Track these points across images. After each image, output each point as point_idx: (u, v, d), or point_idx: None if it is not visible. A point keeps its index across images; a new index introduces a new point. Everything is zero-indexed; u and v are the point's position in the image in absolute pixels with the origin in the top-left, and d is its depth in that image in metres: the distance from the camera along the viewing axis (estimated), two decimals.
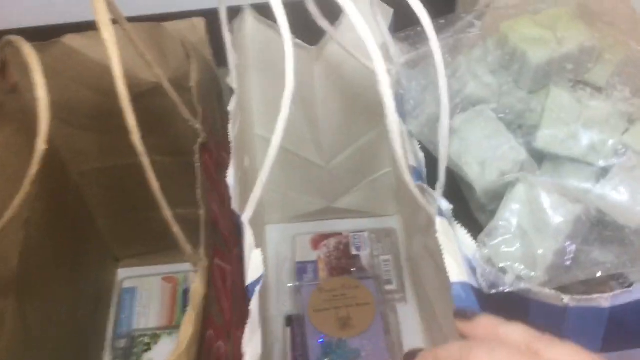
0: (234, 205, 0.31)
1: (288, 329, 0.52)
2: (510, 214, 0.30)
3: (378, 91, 0.26)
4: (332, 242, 0.59)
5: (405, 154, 0.30)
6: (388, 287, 0.54)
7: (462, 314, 0.27)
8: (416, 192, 0.31)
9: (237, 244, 0.33)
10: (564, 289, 0.29)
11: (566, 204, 0.29)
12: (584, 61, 0.34)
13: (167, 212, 0.28)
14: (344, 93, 0.47)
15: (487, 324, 0.27)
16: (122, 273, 0.56)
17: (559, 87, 0.32)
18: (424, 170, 0.34)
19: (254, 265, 0.29)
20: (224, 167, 0.34)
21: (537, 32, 0.34)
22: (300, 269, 0.57)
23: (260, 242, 0.61)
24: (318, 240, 0.59)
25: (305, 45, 0.44)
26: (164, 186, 0.27)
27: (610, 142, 0.31)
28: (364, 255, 0.57)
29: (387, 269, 0.56)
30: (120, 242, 0.55)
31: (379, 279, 0.54)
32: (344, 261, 0.57)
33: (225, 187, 0.33)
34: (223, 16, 0.36)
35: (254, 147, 0.54)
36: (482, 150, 0.32)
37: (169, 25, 0.41)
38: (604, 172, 0.31)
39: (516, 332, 0.25)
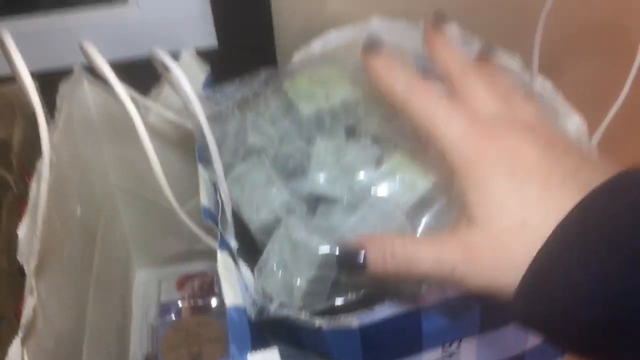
0: (19, 256, 0.34)
1: None
2: (273, 250, 0.35)
3: None
4: (196, 281, 0.62)
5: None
6: None
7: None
8: (195, 228, 0.35)
9: None
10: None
11: (320, 241, 0.34)
12: (352, 113, 0.39)
13: None
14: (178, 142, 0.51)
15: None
16: None
17: (324, 136, 0.37)
18: (218, 213, 0.38)
19: None
20: None
21: (310, 89, 0.39)
22: (164, 310, 0.60)
23: (130, 287, 0.64)
24: (183, 281, 0.63)
25: (137, 96, 0.48)
26: None
27: (362, 183, 0.36)
28: None
29: None
30: None
31: None
32: (207, 299, 0.60)
33: None
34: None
35: (113, 196, 0.58)
36: (255, 195, 0.36)
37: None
38: (354, 209, 0.35)
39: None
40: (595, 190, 0.25)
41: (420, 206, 0.35)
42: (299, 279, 0.34)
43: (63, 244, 0.44)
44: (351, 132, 0.39)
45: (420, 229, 0.35)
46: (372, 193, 0.35)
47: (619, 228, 0.24)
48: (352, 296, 0.35)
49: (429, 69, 0.54)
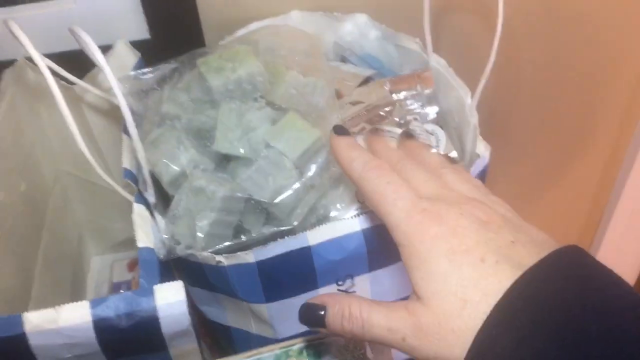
0: None
1: None
2: (180, 199, 0.40)
3: None
4: None
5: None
6: None
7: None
8: (116, 185, 0.40)
9: None
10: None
11: (217, 187, 0.39)
12: (255, 83, 0.44)
13: None
14: (112, 124, 0.56)
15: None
16: None
17: (226, 103, 0.42)
18: (138, 174, 0.43)
19: None
20: None
21: (219, 64, 0.44)
22: (116, 289, 0.64)
23: (83, 269, 0.68)
24: (134, 263, 0.67)
25: (70, 85, 0.53)
26: None
27: (259, 139, 0.41)
28: None
29: None
30: None
31: None
32: None
33: None
34: None
35: (62, 182, 0.62)
36: (167, 154, 0.41)
37: None
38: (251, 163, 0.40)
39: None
40: (528, 272, 0.27)
41: (307, 156, 0.40)
42: (200, 222, 0.39)
43: (6, 213, 0.48)
44: (253, 100, 0.44)
45: (308, 175, 0.40)
46: (266, 147, 0.40)
47: (548, 308, 0.26)
48: (252, 237, 0.40)
49: (346, 59, 0.59)
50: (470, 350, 0.27)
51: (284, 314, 0.41)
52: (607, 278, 0.28)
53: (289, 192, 0.39)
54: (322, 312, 0.33)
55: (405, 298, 0.45)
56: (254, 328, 0.43)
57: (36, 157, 0.56)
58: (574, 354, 0.25)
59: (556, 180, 0.80)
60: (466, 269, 0.29)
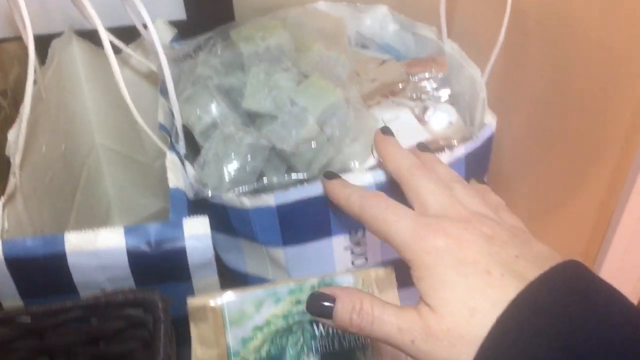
0: (7, 151, 0.43)
1: None
2: (210, 147, 0.44)
3: None
4: None
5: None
6: None
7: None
8: (151, 132, 0.44)
9: None
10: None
11: (244, 137, 0.42)
12: (282, 51, 0.48)
13: None
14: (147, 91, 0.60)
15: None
16: None
17: (256, 66, 0.46)
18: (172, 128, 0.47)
19: None
20: None
21: (250, 33, 0.48)
22: None
23: None
24: None
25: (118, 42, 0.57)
26: None
27: (284, 97, 0.45)
28: None
29: None
30: None
31: None
32: None
33: None
34: None
35: (97, 155, 0.67)
36: (199, 108, 0.45)
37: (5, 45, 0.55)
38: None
39: None
40: (531, 284, 0.29)
41: (328, 113, 0.44)
42: (227, 166, 0.43)
43: (47, 165, 0.52)
44: (281, 65, 0.48)
45: (327, 130, 0.43)
46: (291, 104, 0.44)
47: (551, 320, 0.27)
48: (273, 182, 0.43)
49: (367, 46, 0.63)
50: (476, 357, 0.28)
51: (299, 260, 0.44)
52: (608, 292, 0.29)
53: (309, 145, 0.43)
54: (332, 304, 0.33)
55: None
56: (270, 275, 0.46)
57: (76, 126, 0.61)
58: None
59: (563, 186, 0.82)
60: (473, 279, 0.30)
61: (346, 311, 0.32)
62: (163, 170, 0.68)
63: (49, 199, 0.52)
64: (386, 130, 0.41)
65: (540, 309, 0.28)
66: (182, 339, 0.40)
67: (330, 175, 0.41)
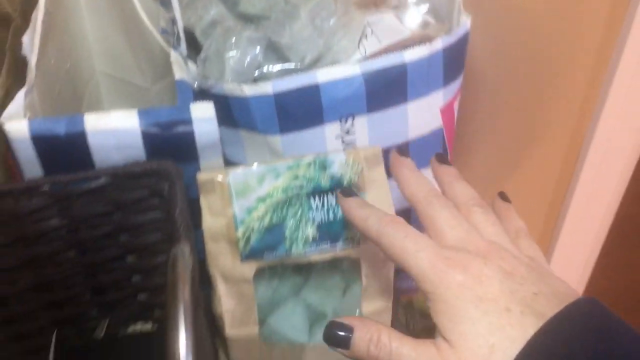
0: (23, 51, 0.46)
1: None
2: (211, 43, 0.48)
3: None
4: None
5: None
6: None
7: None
8: (156, 33, 0.48)
9: None
10: None
11: (242, 30, 0.47)
12: None
13: None
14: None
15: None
16: None
17: None
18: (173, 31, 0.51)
19: None
20: None
21: None
22: None
23: None
24: None
25: None
26: None
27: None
28: None
29: None
30: None
31: None
32: None
33: None
34: None
35: (97, 82, 0.70)
36: (199, 10, 0.49)
37: None
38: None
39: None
40: (549, 322, 0.29)
41: (317, 8, 0.48)
42: (228, 58, 0.47)
43: (56, 78, 0.56)
44: None
45: (318, 24, 0.48)
46: (284, 3, 0.48)
47: (569, 358, 0.28)
48: (271, 72, 0.47)
49: None
50: None
51: (295, 147, 0.49)
52: (624, 330, 0.29)
53: (302, 37, 0.47)
54: (349, 334, 0.33)
55: (398, 146, 0.52)
56: None
57: (77, 51, 0.64)
58: None
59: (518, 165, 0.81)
60: (493, 316, 0.30)
61: (364, 342, 0.33)
62: (162, 94, 0.72)
63: (57, 112, 0.56)
64: (403, 152, 0.41)
65: (557, 348, 0.28)
66: (191, 218, 0.45)
67: (346, 192, 0.40)
